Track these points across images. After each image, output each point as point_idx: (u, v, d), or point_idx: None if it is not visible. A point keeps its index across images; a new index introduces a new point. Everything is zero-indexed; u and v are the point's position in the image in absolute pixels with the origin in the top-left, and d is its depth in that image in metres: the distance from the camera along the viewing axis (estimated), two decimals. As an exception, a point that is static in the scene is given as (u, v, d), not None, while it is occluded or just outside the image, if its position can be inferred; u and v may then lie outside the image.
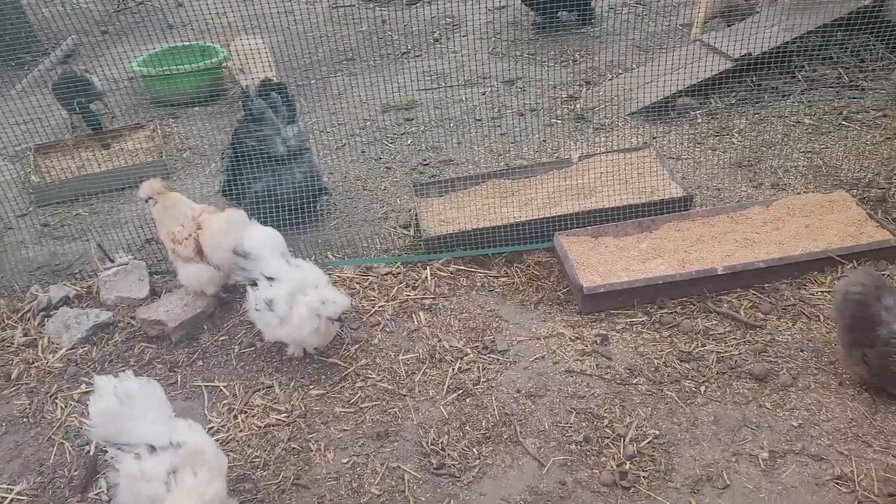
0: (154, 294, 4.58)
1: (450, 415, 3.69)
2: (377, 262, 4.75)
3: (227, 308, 4.48)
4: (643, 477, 3.30)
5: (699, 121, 6.09)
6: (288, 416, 3.75)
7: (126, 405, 2.96)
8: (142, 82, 7.25)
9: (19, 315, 4.54)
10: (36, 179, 5.84)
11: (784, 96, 6.23)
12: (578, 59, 7.38)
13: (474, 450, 3.50)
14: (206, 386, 3.99)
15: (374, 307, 4.39)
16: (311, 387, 3.91)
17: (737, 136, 5.82)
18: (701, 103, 6.25)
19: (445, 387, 3.84)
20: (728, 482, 3.25)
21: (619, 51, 7.24)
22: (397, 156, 6.06)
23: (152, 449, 2.94)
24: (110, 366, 4.14)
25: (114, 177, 5.79)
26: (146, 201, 4.46)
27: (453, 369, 3.93)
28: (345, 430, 3.66)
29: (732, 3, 7.04)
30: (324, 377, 3.96)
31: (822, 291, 4.18)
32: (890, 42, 6.18)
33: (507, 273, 4.61)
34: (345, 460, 3.51)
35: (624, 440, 3.46)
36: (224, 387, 3.96)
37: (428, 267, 4.63)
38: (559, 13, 7.82)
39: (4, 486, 3.54)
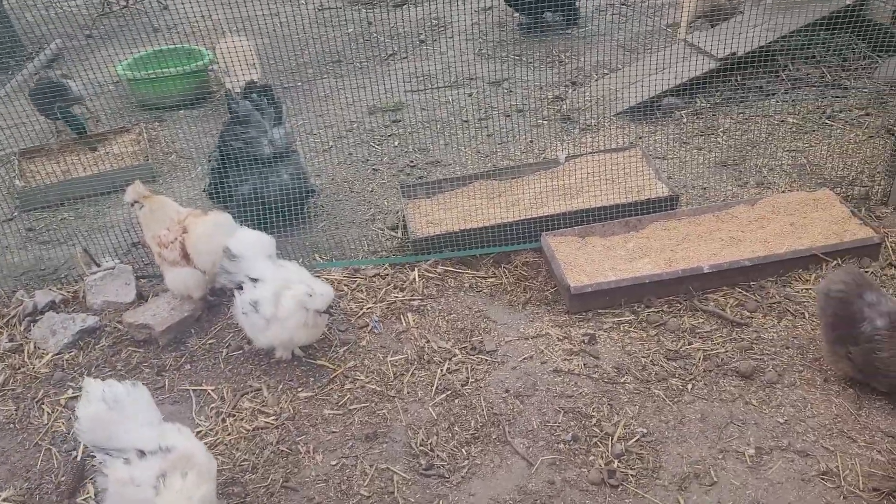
0: (141, 298, 4.56)
1: (438, 416, 3.69)
2: (365, 263, 4.75)
3: (215, 311, 4.47)
4: (631, 475, 3.32)
5: (684, 120, 6.13)
6: (276, 419, 3.74)
7: (114, 409, 2.96)
8: (127, 86, 7.21)
9: (5, 320, 4.50)
10: (20, 184, 5.80)
11: (768, 96, 6.28)
12: (564, 60, 7.40)
13: (463, 450, 3.51)
14: (194, 390, 3.98)
15: (362, 309, 4.39)
16: (299, 389, 3.91)
17: (722, 135, 5.86)
18: (686, 103, 6.29)
19: (434, 388, 3.84)
20: (715, 479, 3.27)
21: (604, 51, 7.27)
22: (384, 157, 6.06)
23: (141, 453, 2.94)
24: (97, 370, 4.12)
25: (99, 181, 5.76)
26: (132, 205, 4.44)
27: (442, 370, 3.94)
28: (333, 432, 3.66)
29: (716, 3, 7.08)
30: (312, 379, 3.96)
31: (806, 289, 4.22)
32: (872, 41, 6.24)
33: (494, 274, 4.62)
34: (334, 462, 3.51)
35: (612, 439, 3.48)
36: (212, 390, 3.95)
37: (416, 268, 4.63)
38: (544, 14, 7.85)
39: (-9, 492, 3.53)
